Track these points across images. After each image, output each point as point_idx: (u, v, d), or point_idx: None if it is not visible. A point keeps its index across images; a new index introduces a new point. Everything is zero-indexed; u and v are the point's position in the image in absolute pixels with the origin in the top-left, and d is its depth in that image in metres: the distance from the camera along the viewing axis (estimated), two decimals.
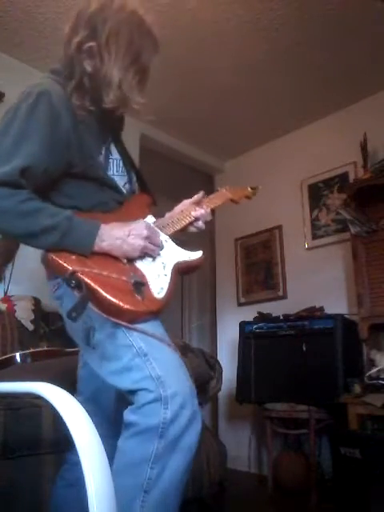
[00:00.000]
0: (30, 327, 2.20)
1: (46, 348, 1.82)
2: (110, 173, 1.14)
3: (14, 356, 1.64)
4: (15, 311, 2.21)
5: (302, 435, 2.67)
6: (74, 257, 0.96)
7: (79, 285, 0.92)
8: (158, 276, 1.05)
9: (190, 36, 2.55)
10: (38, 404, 1.31)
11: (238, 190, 1.50)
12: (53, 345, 2.08)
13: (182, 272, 1.15)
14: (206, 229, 1.27)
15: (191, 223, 1.23)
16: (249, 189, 1.54)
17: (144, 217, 1.16)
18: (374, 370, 2.37)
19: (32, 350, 1.69)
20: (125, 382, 0.97)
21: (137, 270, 1.03)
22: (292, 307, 2.94)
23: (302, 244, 3.26)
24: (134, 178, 1.25)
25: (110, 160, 1.16)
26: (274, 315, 2.93)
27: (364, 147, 2.75)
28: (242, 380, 2.75)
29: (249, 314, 3.11)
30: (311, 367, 2.48)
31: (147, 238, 1.04)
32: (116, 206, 1.13)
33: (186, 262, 1.15)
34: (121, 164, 1.20)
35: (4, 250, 2.48)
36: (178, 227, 1.20)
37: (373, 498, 1.86)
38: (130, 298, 0.95)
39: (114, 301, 0.92)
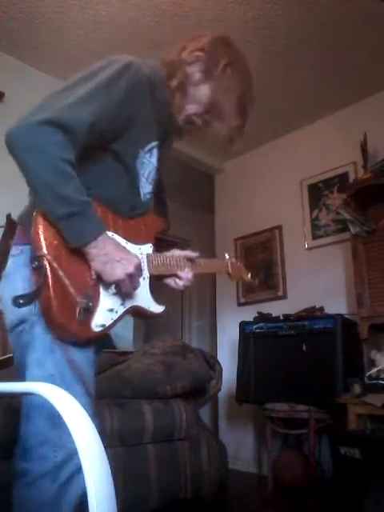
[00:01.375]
0: None
1: None
2: (141, 172, 1.11)
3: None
4: None
5: (302, 435, 2.67)
6: (56, 242, 0.93)
7: (39, 271, 0.89)
8: (109, 310, 1.01)
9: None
10: None
11: (239, 269, 1.48)
12: None
13: (132, 314, 1.11)
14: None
15: (171, 276, 1.21)
16: (249, 275, 1.53)
17: (145, 243, 1.14)
18: (374, 369, 2.37)
19: None
20: (25, 400, 0.96)
21: (97, 292, 0.99)
22: (292, 307, 2.94)
23: (302, 244, 3.26)
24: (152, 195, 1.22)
25: (146, 161, 1.12)
26: (274, 315, 2.93)
27: (364, 147, 2.75)
28: (241, 380, 2.75)
29: (249, 314, 3.11)
30: (311, 367, 2.48)
31: (130, 276, 0.99)
32: (127, 212, 1.10)
33: (143, 309, 1.11)
34: (153, 173, 1.17)
35: (3, 249, 2.48)
36: (159, 272, 1.16)
37: (372, 498, 1.86)
38: (68, 314, 0.92)
39: (53, 306, 0.89)
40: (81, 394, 0.94)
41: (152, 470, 1.62)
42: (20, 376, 0.99)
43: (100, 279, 0.98)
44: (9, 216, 2.54)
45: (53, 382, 0.86)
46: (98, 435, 0.64)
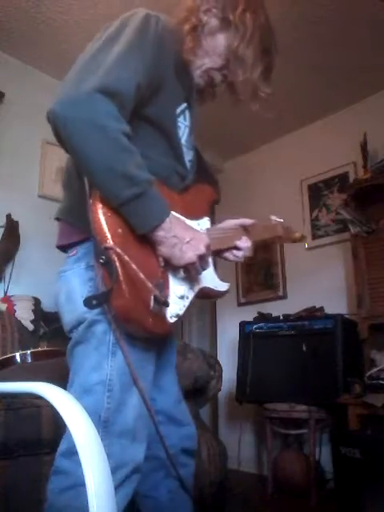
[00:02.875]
0: (30, 327, 2.20)
1: (45, 348, 1.82)
2: (180, 137, 1.01)
3: (14, 356, 1.64)
4: (15, 311, 2.21)
5: (302, 435, 2.67)
6: (121, 230, 0.82)
7: (108, 266, 0.78)
8: (180, 297, 0.92)
9: None
10: (38, 404, 1.31)
11: (291, 231, 1.34)
12: (53, 345, 2.08)
13: (199, 296, 1.01)
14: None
15: (229, 249, 1.10)
16: (298, 234, 1.36)
17: (202, 216, 1.05)
18: (374, 370, 2.37)
19: (32, 350, 1.68)
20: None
21: (166, 279, 0.90)
22: (292, 307, 2.94)
23: (302, 244, 3.26)
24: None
25: (181, 125, 1.01)
26: (274, 315, 2.93)
27: (364, 147, 2.75)
28: (241, 380, 2.75)
29: (249, 314, 3.11)
30: (311, 367, 2.48)
31: (201, 257, 0.90)
32: (178, 183, 1.01)
33: (211, 289, 1.03)
34: (191, 137, 1.06)
35: (4, 249, 2.48)
36: (220, 246, 1.07)
37: (373, 498, 1.86)
38: (142, 308, 0.83)
39: (127, 303, 0.80)
40: (133, 405, 0.88)
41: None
42: (69, 380, 0.91)
43: (168, 264, 0.89)
44: (9, 216, 2.54)
45: (110, 388, 0.85)
46: (98, 435, 0.64)
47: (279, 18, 2.48)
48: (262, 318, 2.95)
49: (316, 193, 3.27)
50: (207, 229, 1.06)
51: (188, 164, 1.06)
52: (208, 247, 0.91)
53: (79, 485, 0.77)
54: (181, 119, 1.01)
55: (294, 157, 3.45)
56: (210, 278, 1.03)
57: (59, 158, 2.93)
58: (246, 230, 1.14)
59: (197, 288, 0.98)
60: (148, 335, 0.88)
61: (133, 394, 0.88)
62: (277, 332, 2.72)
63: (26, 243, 2.60)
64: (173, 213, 0.88)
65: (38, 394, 0.73)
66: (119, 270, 0.79)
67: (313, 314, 2.75)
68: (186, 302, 0.94)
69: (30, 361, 1.64)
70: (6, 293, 2.44)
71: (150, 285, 0.82)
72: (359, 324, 2.54)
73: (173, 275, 0.92)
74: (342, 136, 3.16)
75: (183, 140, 1.03)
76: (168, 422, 1.07)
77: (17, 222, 2.55)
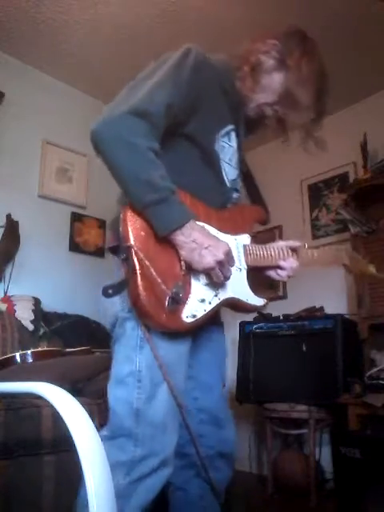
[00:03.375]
0: (30, 327, 2.20)
1: (46, 348, 1.82)
2: (221, 156, 1.09)
3: (14, 356, 1.64)
4: (15, 311, 2.21)
5: (302, 435, 2.67)
6: (143, 233, 0.92)
7: (127, 262, 0.90)
8: (200, 301, 0.98)
9: (193, 34, 2.55)
10: (38, 404, 1.31)
11: (360, 261, 1.37)
12: (53, 345, 2.08)
13: (230, 306, 1.08)
14: None
15: (273, 268, 1.17)
16: (372, 267, 1.38)
17: (242, 233, 1.12)
18: (374, 370, 2.37)
19: (32, 350, 1.69)
20: (110, 393, 0.98)
21: (187, 282, 0.97)
22: (292, 307, 2.94)
23: (302, 244, 3.25)
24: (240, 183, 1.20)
25: (225, 144, 1.10)
26: (274, 315, 2.93)
27: (364, 147, 2.75)
28: (241, 380, 2.75)
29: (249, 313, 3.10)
30: (311, 367, 2.48)
31: (220, 263, 0.95)
32: (216, 199, 1.09)
33: (241, 301, 1.08)
34: (236, 157, 1.15)
35: (4, 249, 2.48)
36: (259, 263, 1.13)
37: (372, 498, 1.86)
38: (157, 303, 0.91)
39: (141, 296, 0.89)
40: (163, 399, 0.95)
41: None
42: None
43: (190, 269, 0.96)
44: (9, 216, 2.54)
45: (140, 379, 0.93)
46: (97, 435, 0.64)
47: (279, 20, 2.48)
48: (262, 317, 2.95)
49: (316, 193, 3.27)
50: (246, 245, 1.12)
51: (229, 182, 1.13)
52: (226, 254, 0.96)
53: (112, 465, 0.86)
54: (225, 139, 1.10)
55: (294, 157, 3.45)
56: (240, 290, 1.08)
57: (59, 157, 2.93)
58: (295, 251, 1.21)
59: (223, 296, 1.03)
60: (163, 330, 0.95)
61: (163, 389, 0.95)
62: (277, 332, 2.72)
63: (26, 243, 2.60)
64: (196, 221, 0.95)
65: (37, 394, 0.73)
66: (136, 265, 0.89)
67: (313, 313, 2.75)
68: (207, 307, 0.99)
69: (30, 361, 1.64)
70: (6, 293, 2.44)
71: (163, 286, 0.90)
72: (359, 324, 2.54)
73: (196, 279, 0.98)
74: (342, 136, 3.15)
75: (226, 159, 1.11)
76: (210, 421, 1.11)
77: (17, 222, 2.55)
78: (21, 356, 1.64)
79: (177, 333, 0.97)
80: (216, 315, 1.13)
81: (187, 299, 0.95)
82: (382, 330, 2.53)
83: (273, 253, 1.16)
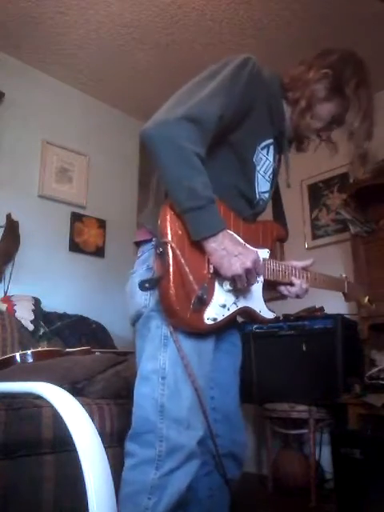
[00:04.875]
0: (30, 327, 2.20)
1: (46, 348, 1.82)
2: (258, 167, 1.13)
3: (14, 356, 1.64)
4: (15, 311, 2.22)
5: (302, 435, 2.67)
6: (180, 232, 0.96)
7: (162, 256, 0.93)
8: (221, 306, 1.02)
9: (193, 34, 2.56)
10: (38, 404, 1.31)
11: (356, 290, 1.48)
12: (53, 345, 2.08)
13: (243, 315, 1.12)
14: None
15: (285, 284, 1.23)
16: (366, 299, 1.52)
17: (263, 247, 1.15)
18: (374, 369, 2.37)
19: (32, 350, 1.69)
20: (135, 389, 1.01)
21: (212, 286, 1.00)
22: (292, 307, 2.93)
23: (302, 244, 3.25)
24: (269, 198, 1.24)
25: (263, 157, 1.14)
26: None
27: None
28: (241, 380, 2.74)
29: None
30: (311, 367, 2.48)
31: (248, 271, 0.99)
32: (245, 208, 1.12)
33: (254, 312, 1.12)
34: (270, 171, 1.19)
35: (4, 249, 2.48)
36: (274, 277, 1.17)
37: (373, 498, 1.86)
38: (184, 302, 0.94)
39: (171, 292, 0.92)
40: (186, 396, 0.97)
41: None
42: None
43: (216, 274, 1.00)
44: (9, 216, 2.54)
45: (164, 376, 0.97)
46: (97, 435, 0.64)
47: (279, 18, 2.49)
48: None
49: (316, 193, 3.27)
50: (265, 259, 1.15)
51: (260, 194, 1.17)
52: (254, 263, 0.99)
53: (141, 463, 0.96)
54: (264, 152, 1.14)
55: (294, 157, 3.45)
56: (256, 301, 1.12)
57: (59, 158, 2.93)
58: (304, 268, 1.28)
59: (241, 304, 1.07)
60: (185, 327, 0.98)
61: (187, 385, 0.97)
62: (277, 332, 2.72)
63: (26, 243, 2.60)
64: (228, 230, 0.99)
65: (37, 394, 0.73)
66: (171, 261, 0.93)
67: (313, 313, 2.75)
68: (226, 313, 1.03)
69: (30, 361, 1.64)
70: (6, 293, 2.45)
71: (195, 285, 0.94)
72: (359, 324, 2.54)
73: (219, 284, 1.02)
74: (342, 136, 3.15)
75: (262, 171, 1.15)
76: (223, 421, 1.14)
77: (17, 222, 2.56)
78: (21, 356, 1.64)
79: (198, 333, 1.00)
80: (235, 320, 1.16)
81: (210, 302, 0.99)
82: (382, 330, 2.53)
83: (287, 270, 1.22)
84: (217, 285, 1.01)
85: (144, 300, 1.02)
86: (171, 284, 0.92)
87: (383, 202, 2.62)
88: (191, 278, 0.93)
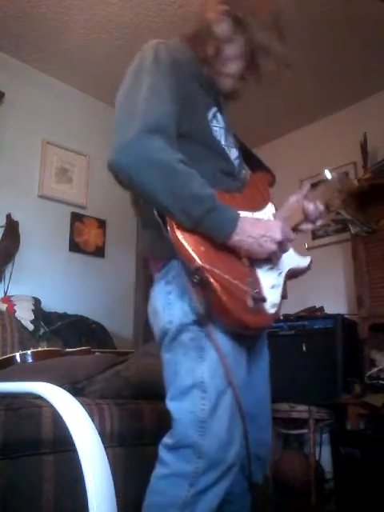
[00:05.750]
0: (30, 327, 2.20)
1: (46, 348, 1.82)
2: (220, 140, 1.07)
3: (14, 356, 1.64)
4: (15, 311, 2.22)
5: (303, 435, 2.67)
6: (203, 248, 0.89)
7: (202, 284, 0.85)
8: (272, 286, 0.98)
9: None
10: (38, 404, 1.31)
11: (345, 181, 1.37)
12: (53, 345, 2.08)
13: (288, 278, 1.07)
14: None
15: (304, 221, 1.15)
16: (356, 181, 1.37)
17: (266, 205, 1.10)
18: (374, 369, 2.37)
19: (32, 350, 1.69)
20: (172, 405, 0.95)
21: (255, 276, 0.96)
22: (292, 307, 2.94)
23: (302, 244, 3.25)
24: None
25: (216, 128, 1.08)
26: None
27: (364, 147, 2.75)
28: None
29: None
30: (311, 367, 2.48)
31: (280, 243, 0.94)
32: (233, 184, 1.07)
33: (296, 269, 1.08)
34: (230, 136, 1.12)
35: (4, 249, 2.48)
36: (292, 223, 1.10)
37: (372, 498, 1.86)
38: (242, 308, 0.89)
39: (228, 307, 0.86)
40: (226, 406, 0.93)
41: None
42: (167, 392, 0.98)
43: (252, 262, 0.95)
44: (9, 216, 2.54)
45: (204, 390, 0.91)
46: (97, 435, 0.64)
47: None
48: None
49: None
50: (274, 214, 1.11)
51: (235, 162, 1.11)
52: (283, 232, 0.95)
53: (175, 475, 0.91)
54: (214, 123, 1.07)
55: (294, 157, 3.45)
56: (291, 258, 1.08)
57: (59, 157, 2.93)
58: (306, 198, 1.18)
59: (284, 273, 1.04)
60: (257, 331, 0.97)
61: (226, 394, 0.93)
62: (277, 332, 2.72)
63: (26, 243, 2.60)
64: (240, 214, 0.93)
65: (38, 394, 0.73)
66: (214, 283, 0.85)
67: (313, 313, 2.75)
68: (279, 290, 1.00)
69: (30, 361, 1.64)
70: (6, 293, 2.45)
71: (245, 287, 0.89)
72: (359, 324, 2.54)
73: (259, 269, 0.98)
74: (342, 136, 3.16)
75: (223, 141, 1.08)
76: (249, 421, 1.07)
77: (17, 222, 2.56)
78: (21, 356, 1.64)
79: (261, 331, 0.99)
80: None
81: (264, 295, 0.94)
82: (382, 330, 2.53)
83: (296, 207, 1.15)
84: (258, 272, 0.97)
85: (168, 315, 0.96)
86: (227, 303, 0.86)
87: (383, 202, 2.62)
88: (237, 282, 0.88)
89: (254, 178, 1.19)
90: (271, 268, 1.00)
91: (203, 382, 0.92)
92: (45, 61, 2.82)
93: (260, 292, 0.93)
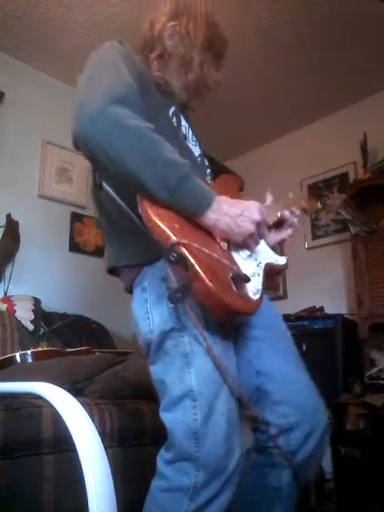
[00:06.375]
0: (30, 327, 2.20)
1: (46, 348, 1.82)
2: (180, 135, 1.06)
3: (14, 356, 1.64)
4: (15, 311, 2.21)
5: None
6: (177, 225, 0.82)
7: (180, 261, 0.78)
8: (252, 274, 0.92)
9: None
10: (38, 404, 1.31)
11: (311, 203, 1.36)
12: (53, 345, 2.08)
13: (267, 273, 1.01)
14: None
15: (279, 228, 1.15)
16: (319, 203, 1.39)
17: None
18: (374, 369, 2.37)
19: (32, 350, 1.69)
20: (165, 416, 0.92)
21: (233, 261, 0.90)
22: (292, 307, 2.94)
23: (302, 244, 3.26)
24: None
25: (177, 125, 1.07)
26: None
27: (364, 147, 2.75)
28: None
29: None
30: (311, 367, 2.47)
31: (258, 224, 0.88)
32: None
33: (274, 265, 1.04)
34: (192, 133, 1.11)
35: (4, 249, 2.48)
36: (276, 217, 1.09)
37: (372, 498, 1.86)
38: (228, 293, 0.81)
39: (212, 289, 0.78)
40: (221, 412, 0.88)
41: (152, 471, 1.62)
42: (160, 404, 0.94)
43: (229, 247, 0.90)
44: (9, 216, 2.54)
45: (195, 398, 0.87)
46: (97, 435, 0.64)
47: (278, 19, 2.48)
48: None
49: (316, 193, 3.27)
50: None
51: (199, 159, 1.10)
52: (262, 212, 0.90)
53: (175, 490, 0.87)
54: (174, 120, 1.06)
55: (294, 157, 3.45)
56: (268, 253, 1.05)
57: (59, 157, 2.93)
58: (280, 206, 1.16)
59: (263, 263, 0.99)
60: (244, 317, 0.90)
61: (220, 400, 0.88)
62: None
63: (26, 243, 2.60)
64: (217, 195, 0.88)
65: (37, 394, 0.73)
66: (192, 258, 0.78)
67: (313, 313, 2.75)
68: (260, 279, 0.94)
69: (30, 361, 1.64)
70: (6, 293, 2.45)
71: (226, 262, 0.83)
72: (359, 324, 2.54)
73: (237, 255, 0.93)
74: (342, 136, 3.16)
75: (186, 137, 1.08)
76: (292, 411, 1.01)
77: (17, 222, 2.56)
78: (21, 356, 1.64)
79: (247, 316, 0.92)
80: None
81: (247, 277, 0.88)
82: (382, 330, 2.53)
83: (271, 211, 1.12)
84: (236, 257, 0.92)
85: (148, 325, 0.92)
86: (207, 281, 0.78)
87: (383, 201, 2.62)
88: (217, 256, 0.82)
89: (223, 178, 1.14)
90: (250, 256, 0.95)
91: (192, 390, 0.87)
92: (45, 61, 2.82)
93: (240, 272, 0.86)
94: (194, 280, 0.78)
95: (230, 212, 0.86)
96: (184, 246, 0.78)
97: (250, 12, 2.42)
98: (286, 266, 1.11)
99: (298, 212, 1.16)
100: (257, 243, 0.93)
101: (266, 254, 1.03)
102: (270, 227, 1.11)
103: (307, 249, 3.23)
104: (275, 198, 1.21)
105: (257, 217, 0.87)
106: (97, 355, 1.89)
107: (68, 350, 1.87)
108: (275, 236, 1.15)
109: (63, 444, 1.26)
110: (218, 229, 0.86)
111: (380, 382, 2.27)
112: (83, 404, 0.73)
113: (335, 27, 2.51)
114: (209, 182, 1.09)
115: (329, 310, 2.76)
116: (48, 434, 1.30)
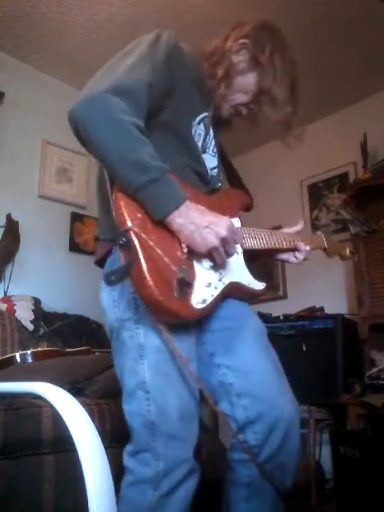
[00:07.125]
0: (30, 327, 2.20)
1: (46, 348, 1.82)
2: (198, 143, 1.06)
3: (14, 356, 1.64)
4: (15, 311, 2.21)
5: (302, 435, 2.67)
6: (140, 215, 0.84)
7: (127, 246, 0.80)
8: (207, 285, 0.92)
9: (193, 34, 2.55)
10: (38, 404, 1.31)
11: (335, 244, 1.40)
12: (53, 345, 2.08)
13: (233, 292, 1.02)
14: None
15: (288, 251, 1.18)
16: (348, 250, 1.41)
17: (231, 217, 1.03)
18: (374, 369, 2.37)
19: (32, 350, 1.69)
20: (123, 408, 0.94)
21: (191, 267, 0.90)
22: (292, 307, 2.94)
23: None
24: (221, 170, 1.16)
25: (201, 132, 1.06)
26: (273, 315, 2.93)
27: (364, 147, 2.75)
28: None
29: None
30: (311, 367, 2.48)
31: (223, 240, 0.88)
32: (196, 181, 1.04)
33: (243, 286, 1.02)
34: (213, 144, 1.12)
35: (4, 249, 2.48)
36: (271, 245, 1.11)
37: (372, 498, 1.86)
38: (165, 290, 0.82)
39: (148, 282, 0.80)
40: (173, 405, 0.90)
41: None
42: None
43: (192, 253, 0.90)
44: (9, 216, 2.54)
45: (147, 390, 0.89)
46: (97, 435, 0.64)
47: (279, 18, 2.48)
48: (262, 317, 2.94)
49: (316, 193, 3.27)
50: (238, 228, 1.07)
51: (210, 170, 1.10)
52: (230, 230, 0.89)
53: (140, 482, 0.90)
54: (201, 127, 1.07)
55: (294, 157, 3.45)
56: (241, 274, 1.04)
57: (59, 157, 2.93)
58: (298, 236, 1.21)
59: (227, 279, 0.97)
60: (174, 319, 0.87)
61: (172, 393, 0.90)
62: (277, 332, 2.72)
63: (26, 243, 2.60)
64: (188, 201, 0.88)
65: (37, 394, 0.73)
66: (138, 247, 0.81)
67: (313, 313, 2.75)
68: (214, 292, 0.93)
69: (30, 361, 1.64)
70: (6, 293, 2.44)
71: (173, 267, 0.84)
72: (359, 324, 2.54)
73: (198, 263, 0.92)
74: (342, 136, 3.16)
75: (205, 146, 1.09)
76: (252, 402, 0.98)
77: (17, 222, 2.55)
78: (21, 356, 1.64)
79: (187, 323, 0.91)
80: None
81: (194, 284, 0.88)
82: (382, 330, 2.53)
83: (265, 235, 1.14)
84: (196, 264, 0.91)
85: (114, 313, 0.94)
86: (145, 271, 0.79)
87: (383, 202, 2.62)
88: (167, 260, 0.83)
89: (231, 192, 1.16)
90: (212, 267, 0.94)
91: (145, 382, 0.89)
92: (45, 61, 2.82)
93: (189, 277, 0.86)
94: (132, 264, 0.80)
95: (197, 221, 0.87)
96: (135, 233, 0.81)
97: (249, 12, 2.42)
98: (260, 292, 1.08)
99: (308, 249, 1.22)
100: (222, 259, 0.91)
101: (237, 274, 1.01)
102: (282, 250, 1.18)
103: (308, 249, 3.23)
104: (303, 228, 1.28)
105: (222, 233, 0.87)
106: (97, 355, 1.89)
107: (68, 350, 1.87)
108: (282, 255, 1.21)
109: (63, 444, 1.26)
110: (182, 234, 0.88)
111: (380, 381, 2.27)
112: (83, 404, 0.73)
113: (335, 27, 2.51)
114: (211, 190, 1.09)
115: (329, 310, 2.76)
116: (48, 434, 1.30)
